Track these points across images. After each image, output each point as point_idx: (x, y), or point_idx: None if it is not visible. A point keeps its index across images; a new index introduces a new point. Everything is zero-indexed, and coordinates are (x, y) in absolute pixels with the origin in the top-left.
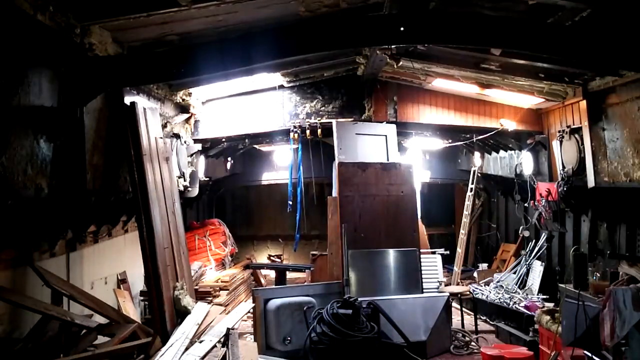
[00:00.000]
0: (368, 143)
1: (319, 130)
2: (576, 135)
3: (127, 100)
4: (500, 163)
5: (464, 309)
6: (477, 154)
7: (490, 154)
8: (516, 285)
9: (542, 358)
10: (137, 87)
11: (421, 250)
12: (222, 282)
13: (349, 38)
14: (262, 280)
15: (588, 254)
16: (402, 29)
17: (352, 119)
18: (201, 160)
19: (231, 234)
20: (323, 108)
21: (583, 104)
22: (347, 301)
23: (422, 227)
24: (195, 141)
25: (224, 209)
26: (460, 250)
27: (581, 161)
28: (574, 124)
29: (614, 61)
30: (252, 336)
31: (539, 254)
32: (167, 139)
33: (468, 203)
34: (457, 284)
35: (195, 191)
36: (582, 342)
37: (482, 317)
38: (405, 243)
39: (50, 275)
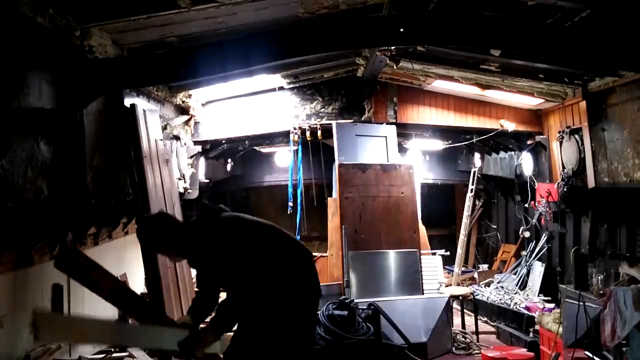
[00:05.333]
0: (368, 144)
1: (319, 132)
2: (576, 136)
3: (127, 102)
4: (500, 164)
5: (464, 309)
6: (477, 155)
7: (490, 155)
8: (517, 286)
9: (542, 359)
10: (137, 89)
11: (421, 252)
12: None
13: (349, 39)
14: None
15: (588, 254)
16: (401, 30)
17: (352, 120)
18: (201, 162)
19: None
20: (323, 109)
21: (583, 104)
22: (343, 302)
23: (422, 228)
24: (195, 143)
25: None
26: (460, 251)
27: (581, 162)
28: (573, 125)
29: (614, 62)
30: None
31: (539, 254)
32: (167, 141)
33: (468, 204)
34: (458, 285)
35: (195, 193)
36: (583, 343)
37: (482, 318)
38: (406, 244)
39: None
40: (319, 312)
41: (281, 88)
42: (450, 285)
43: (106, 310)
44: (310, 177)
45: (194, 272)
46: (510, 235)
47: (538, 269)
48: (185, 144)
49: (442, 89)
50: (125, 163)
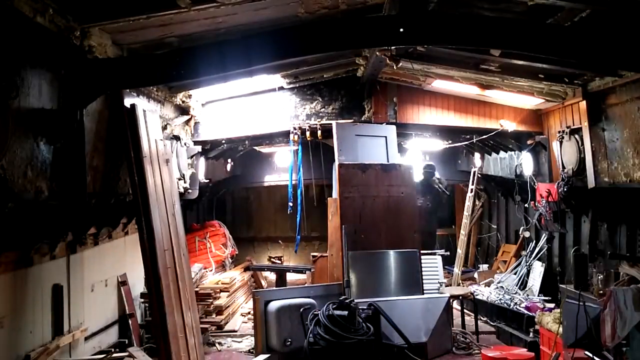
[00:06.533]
0: (368, 144)
1: (319, 132)
2: (576, 136)
3: (127, 102)
4: (500, 164)
5: (464, 309)
6: (477, 155)
7: (490, 155)
8: (517, 286)
9: (542, 359)
10: (137, 89)
11: (421, 251)
12: (222, 284)
13: (348, 39)
14: (263, 282)
15: (589, 254)
16: (401, 30)
17: (352, 120)
18: (201, 162)
19: (231, 236)
20: (323, 109)
21: (583, 104)
22: (343, 303)
23: None
24: (195, 143)
25: (224, 210)
26: (460, 251)
27: (581, 162)
28: (573, 125)
29: (613, 62)
30: (253, 338)
31: (539, 254)
32: (167, 141)
33: (468, 204)
34: (458, 285)
35: (195, 193)
36: (583, 343)
37: (482, 318)
38: (406, 244)
39: None
40: (319, 312)
41: (281, 88)
42: (450, 285)
43: (106, 312)
44: (310, 177)
45: (194, 272)
46: (510, 235)
47: (538, 269)
48: (185, 144)
49: (442, 89)
50: (125, 163)
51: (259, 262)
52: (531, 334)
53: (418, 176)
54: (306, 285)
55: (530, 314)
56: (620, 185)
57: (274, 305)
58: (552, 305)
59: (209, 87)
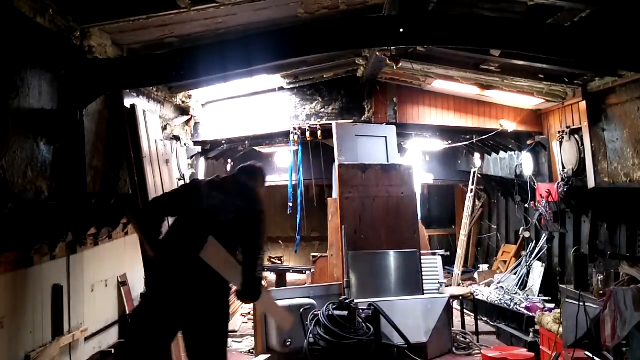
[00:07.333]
0: (368, 144)
1: (319, 132)
2: (576, 136)
3: (127, 102)
4: (500, 164)
5: (464, 310)
6: (477, 155)
7: (490, 155)
8: (517, 286)
9: (543, 359)
10: (136, 89)
11: (421, 252)
12: None
13: (348, 39)
14: (263, 282)
15: (589, 254)
16: (401, 30)
17: (352, 121)
18: (201, 162)
19: None
20: (323, 110)
21: (583, 104)
22: (343, 303)
23: (422, 229)
24: (195, 143)
25: None
26: (460, 252)
27: (581, 162)
28: (573, 125)
29: (613, 62)
30: (253, 338)
31: (539, 254)
32: (167, 141)
33: (468, 204)
34: (458, 285)
35: None
36: (583, 343)
37: (482, 318)
38: (406, 244)
39: None
40: (319, 312)
41: (281, 88)
42: (451, 285)
43: (106, 312)
44: (310, 177)
45: None
46: (510, 235)
47: (538, 269)
48: (185, 144)
49: (442, 89)
50: (125, 163)
51: None
52: (531, 334)
53: None
54: (306, 285)
55: (530, 314)
56: (620, 186)
57: None
58: (552, 305)
59: (209, 88)
